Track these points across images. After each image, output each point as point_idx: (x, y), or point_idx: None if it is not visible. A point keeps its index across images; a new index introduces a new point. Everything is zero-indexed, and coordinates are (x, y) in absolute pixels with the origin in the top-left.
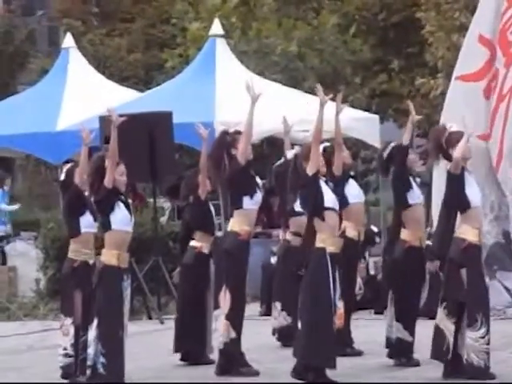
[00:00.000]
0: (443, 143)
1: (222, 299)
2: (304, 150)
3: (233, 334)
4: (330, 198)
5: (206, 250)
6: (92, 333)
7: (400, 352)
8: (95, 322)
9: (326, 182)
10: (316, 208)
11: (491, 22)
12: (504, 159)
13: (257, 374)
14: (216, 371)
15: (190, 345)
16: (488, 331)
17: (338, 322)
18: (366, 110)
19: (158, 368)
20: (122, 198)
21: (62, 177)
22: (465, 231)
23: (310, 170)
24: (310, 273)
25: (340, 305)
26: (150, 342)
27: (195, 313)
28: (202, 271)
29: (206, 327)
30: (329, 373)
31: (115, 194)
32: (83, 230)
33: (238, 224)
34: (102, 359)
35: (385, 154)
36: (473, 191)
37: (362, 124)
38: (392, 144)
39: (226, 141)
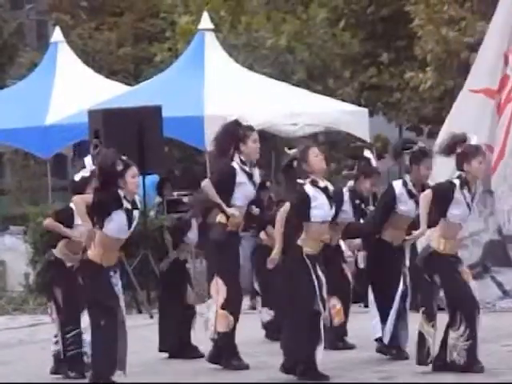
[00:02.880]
0: (458, 152)
1: (214, 289)
2: (302, 151)
3: (231, 324)
4: (319, 211)
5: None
6: (85, 319)
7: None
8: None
9: (326, 189)
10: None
11: (509, 36)
12: (507, 156)
13: (247, 367)
14: (207, 358)
15: None
16: (467, 327)
17: (338, 318)
18: (355, 104)
19: (148, 362)
20: (126, 205)
21: (76, 178)
22: (434, 239)
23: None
24: (287, 271)
25: (335, 301)
26: (139, 336)
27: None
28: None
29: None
30: (319, 367)
31: (117, 202)
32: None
33: (225, 216)
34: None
35: (410, 150)
36: (457, 210)
37: (351, 117)
38: (419, 145)
39: (238, 133)
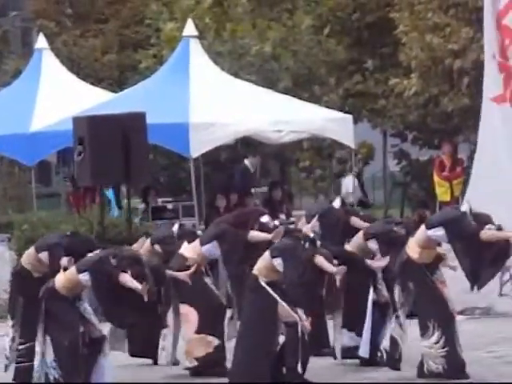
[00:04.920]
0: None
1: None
2: None
3: (215, 342)
4: None
5: None
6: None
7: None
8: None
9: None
10: None
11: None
12: None
13: None
14: (190, 372)
15: None
16: (442, 335)
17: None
18: (340, 111)
19: (138, 369)
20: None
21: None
22: (410, 246)
23: None
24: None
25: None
26: None
27: None
28: None
29: None
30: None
31: None
32: None
33: (190, 252)
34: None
35: None
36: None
37: (336, 124)
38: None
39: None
